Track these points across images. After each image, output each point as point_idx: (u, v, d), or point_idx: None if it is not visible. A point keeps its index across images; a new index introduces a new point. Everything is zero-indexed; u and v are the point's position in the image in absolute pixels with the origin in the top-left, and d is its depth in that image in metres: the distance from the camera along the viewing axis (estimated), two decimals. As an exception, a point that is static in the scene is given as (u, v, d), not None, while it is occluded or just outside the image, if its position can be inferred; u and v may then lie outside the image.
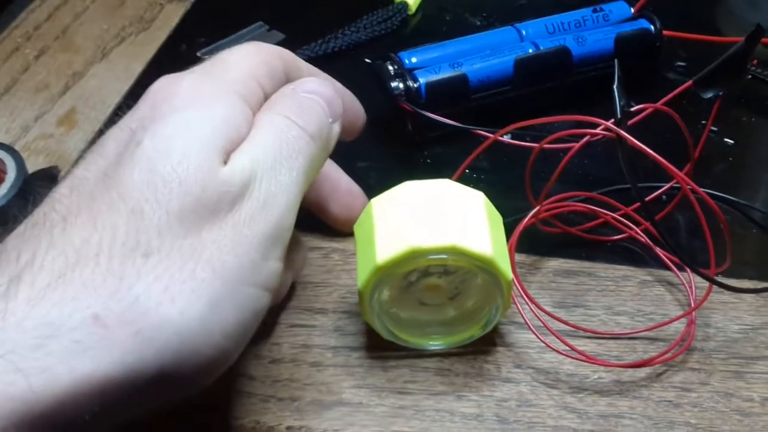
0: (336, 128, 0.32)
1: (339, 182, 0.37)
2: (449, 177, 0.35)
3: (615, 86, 0.32)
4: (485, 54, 0.43)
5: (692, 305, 0.34)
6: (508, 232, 0.34)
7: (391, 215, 0.32)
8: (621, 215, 0.37)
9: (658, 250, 0.36)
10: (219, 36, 0.50)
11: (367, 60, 0.48)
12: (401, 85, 0.42)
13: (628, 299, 0.35)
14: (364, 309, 0.32)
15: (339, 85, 0.34)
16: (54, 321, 0.23)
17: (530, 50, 0.43)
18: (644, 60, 0.45)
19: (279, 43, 0.50)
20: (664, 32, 0.44)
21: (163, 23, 0.53)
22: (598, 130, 0.32)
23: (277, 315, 0.35)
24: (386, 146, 0.43)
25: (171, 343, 0.24)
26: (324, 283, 0.36)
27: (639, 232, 0.37)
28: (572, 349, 0.32)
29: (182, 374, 0.25)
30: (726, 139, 0.43)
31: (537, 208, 0.35)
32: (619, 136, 0.32)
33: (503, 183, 0.39)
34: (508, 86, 0.43)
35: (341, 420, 0.31)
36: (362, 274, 0.31)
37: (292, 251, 0.32)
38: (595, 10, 0.45)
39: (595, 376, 0.32)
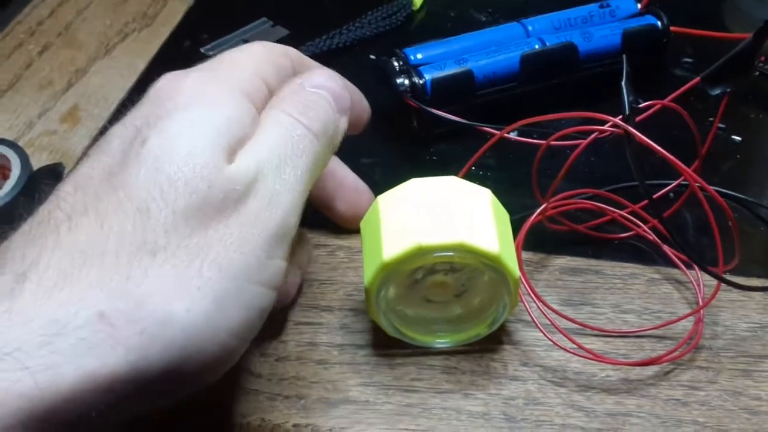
0: (343, 123, 0.32)
1: (345, 179, 0.37)
2: (455, 174, 0.34)
3: (623, 82, 0.32)
4: (491, 50, 0.43)
5: (700, 303, 0.34)
6: (515, 229, 0.33)
7: (398, 212, 0.32)
8: (628, 213, 0.37)
9: (665, 247, 0.36)
10: (222, 32, 0.50)
11: (372, 56, 0.48)
12: (407, 82, 0.41)
13: (636, 297, 0.35)
14: (370, 306, 0.32)
15: (346, 80, 0.34)
16: (60, 319, 0.23)
17: (536, 46, 0.43)
18: (651, 56, 0.45)
19: (283, 39, 0.50)
20: (671, 28, 0.44)
21: (166, 19, 0.52)
22: (606, 127, 0.32)
23: (284, 312, 0.35)
24: (391, 143, 0.43)
25: (176, 340, 0.24)
26: (330, 281, 0.36)
27: (646, 229, 0.37)
28: (579, 347, 0.32)
29: (187, 371, 0.25)
30: (733, 136, 0.42)
31: (544, 205, 0.35)
32: (628, 133, 0.31)
33: (510, 180, 0.39)
34: (514, 82, 0.43)
35: (348, 418, 0.31)
36: (369, 272, 0.31)
37: (297, 250, 0.32)
38: (601, 6, 0.45)
39: (603, 375, 0.32)
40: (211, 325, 0.25)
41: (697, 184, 0.32)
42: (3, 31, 0.52)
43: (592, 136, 0.33)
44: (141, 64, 0.49)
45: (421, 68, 0.42)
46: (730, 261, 0.34)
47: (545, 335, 0.33)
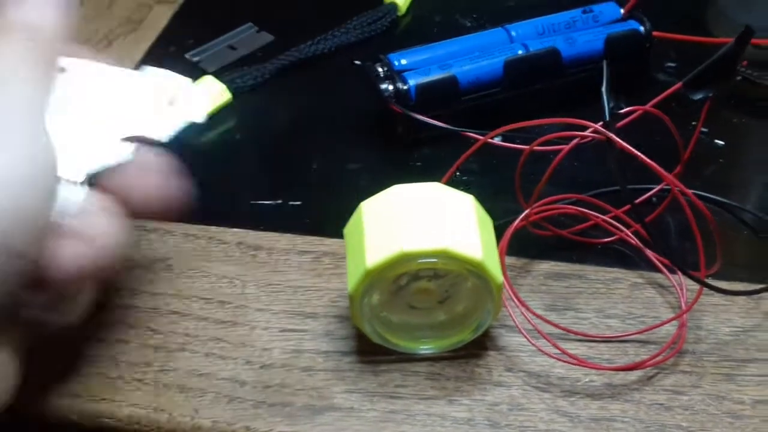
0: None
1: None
2: (439, 179, 0.35)
3: (603, 88, 0.32)
4: (475, 56, 0.43)
5: (683, 308, 0.34)
6: (499, 235, 0.33)
7: (381, 219, 0.32)
8: (611, 217, 0.37)
9: (648, 252, 0.36)
10: (208, 37, 0.50)
11: (357, 62, 0.48)
12: (391, 87, 0.42)
13: (619, 302, 0.35)
14: (354, 313, 0.32)
15: None
16: None
17: (520, 51, 0.43)
18: (634, 61, 0.45)
19: (268, 45, 0.50)
20: (654, 33, 0.44)
21: (151, 24, 0.52)
22: (587, 133, 0.32)
23: (268, 320, 0.35)
24: (376, 148, 0.43)
25: None
26: (314, 287, 0.36)
27: (629, 234, 0.37)
28: (563, 352, 0.32)
29: None
30: (716, 141, 0.43)
31: (527, 210, 0.35)
32: (608, 139, 0.31)
33: (493, 185, 0.39)
34: (497, 88, 0.43)
35: (333, 425, 0.31)
36: (352, 279, 0.31)
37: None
38: (585, 11, 0.45)
39: (587, 380, 0.32)
40: None
41: (677, 189, 0.32)
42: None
43: (574, 141, 0.33)
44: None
45: (405, 74, 0.42)
46: (712, 265, 0.34)
47: (529, 341, 0.33)
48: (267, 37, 0.50)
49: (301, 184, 0.42)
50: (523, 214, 0.35)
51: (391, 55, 0.43)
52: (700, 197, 0.31)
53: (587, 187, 0.39)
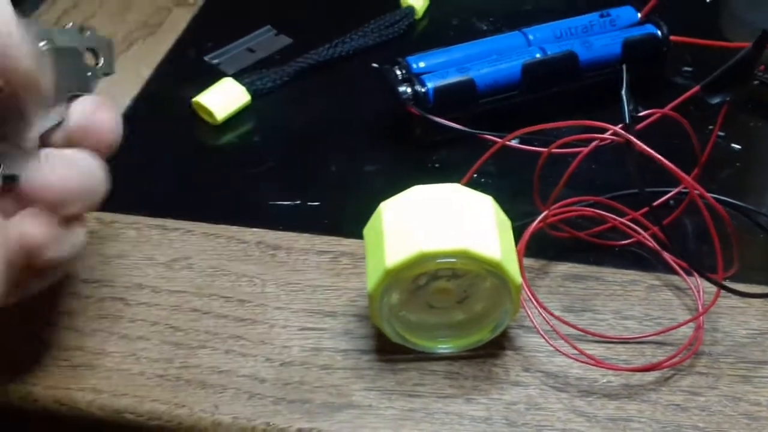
0: None
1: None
2: (457, 181, 0.35)
3: (623, 91, 0.32)
4: (492, 59, 0.43)
5: (700, 310, 0.34)
6: (517, 236, 0.34)
7: (400, 219, 0.32)
8: (629, 220, 0.37)
9: (665, 254, 0.37)
10: (227, 40, 0.51)
11: (375, 65, 0.48)
12: (409, 90, 0.42)
13: (636, 304, 0.35)
14: (373, 312, 0.32)
15: None
16: None
17: (538, 55, 0.43)
18: (651, 65, 0.45)
19: (287, 48, 0.50)
20: (671, 37, 0.45)
21: (170, 27, 0.53)
22: (606, 135, 0.33)
23: (287, 318, 0.35)
24: (394, 150, 0.44)
25: None
26: (333, 287, 0.36)
27: (647, 236, 0.37)
28: (581, 352, 0.33)
29: None
30: (733, 145, 0.43)
31: (545, 212, 0.35)
32: (628, 141, 0.32)
33: (511, 187, 0.39)
34: (515, 91, 0.43)
35: (351, 423, 0.32)
36: (372, 278, 0.31)
37: None
38: (602, 15, 0.45)
39: (604, 380, 0.33)
40: None
41: (696, 192, 0.32)
42: (9, 39, 0.52)
43: (593, 144, 0.33)
44: (146, 72, 0.49)
45: (423, 77, 0.42)
46: (730, 268, 0.34)
47: (547, 341, 0.33)
48: (285, 40, 0.51)
49: (319, 185, 0.42)
50: (541, 216, 0.35)
51: (410, 58, 0.43)
52: (717, 200, 0.31)
53: (604, 189, 0.39)
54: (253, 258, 0.38)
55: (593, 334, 0.34)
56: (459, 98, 0.42)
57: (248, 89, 0.46)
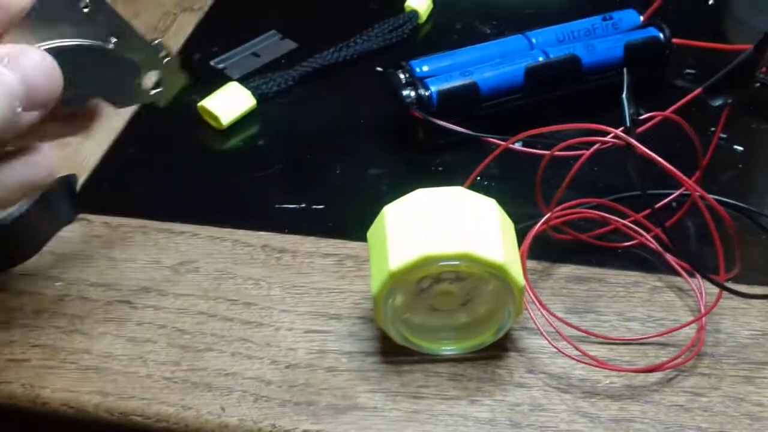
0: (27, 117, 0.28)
1: None
2: (460, 184, 0.35)
3: (624, 95, 0.33)
4: (495, 62, 0.43)
5: (702, 311, 0.35)
6: (519, 238, 0.34)
7: (404, 222, 0.32)
8: (631, 222, 0.38)
9: (668, 256, 0.37)
10: (232, 45, 0.51)
11: (379, 69, 0.49)
12: (413, 94, 0.42)
13: (639, 305, 0.36)
14: (378, 315, 0.32)
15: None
16: None
17: (540, 58, 0.43)
18: (653, 68, 0.45)
19: (292, 52, 0.51)
20: (674, 40, 0.45)
21: (176, 33, 0.53)
22: (607, 138, 0.33)
23: (293, 321, 0.36)
24: (397, 154, 0.44)
25: None
26: (338, 290, 0.37)
27: (649, 238, 0.37)
28: (584, 354, 0.33)
29: None
30: (735, 147, 0.43)
31: (548, 215, 0.35)
32: (629, 144, 0.32)
33: (514, 190, 0.40)
34: (518, 94, 0.43)
35: (356, 424, 0.32)
36: (376, 281, 0.32)
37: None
38: (604, 18, 0.46)
39: (607, 381, 0.33)
40: None
41: (697, 194, 0.32)
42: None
43: (595, 147, 0.34)
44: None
45: (427, 80, 0.43)
46: (731, 269, 0.34)
47: (550, 343, 0.33)
48: (290, 45, 0.51)
49: (324, 188, 0.42)
50: (544, 219, 0.35)
51: (413, 62, 0.44)
52: (719, 202, 0.32)
53: (606, 191, 0.39)
54: (259, 261, 0.38)
55: (596, 336, 0.34)
56: (462, 101, 0.43)
57: (253, 93, 0.47)
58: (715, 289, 0.34)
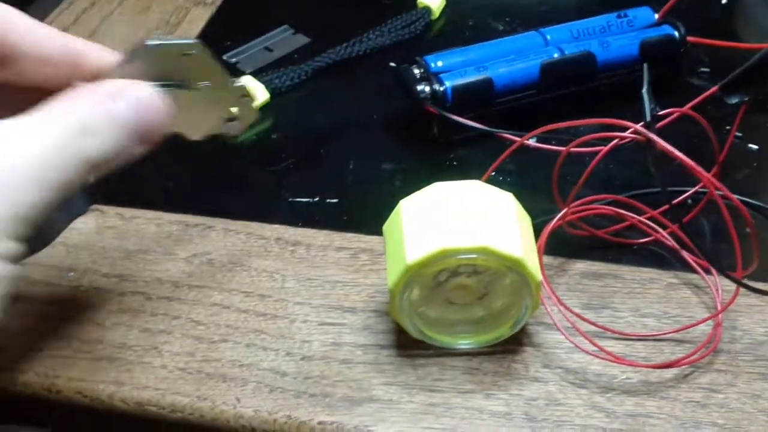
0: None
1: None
2: (475, 179, 0.35)
3: (645, 90, 0.33)
4: (510, 58, 0.43)
5: (718, 308, 0.35)
6: (535, 234, 0.34)
7: (421, 216, 0.32)
8: (647, 218, 0.38)
9: (684, 252, 0.37)
10: (245, 39, 0.51)
11: (393, 64, 0.49)
12: (427, 89, 0.42)
13: (655, 301, 0.35)
14: (393, 308, 0.32)
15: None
16: None
17: (555, 55, 0.43)
18: (668, 66, 0.45)
19: (304, 47, 0.51)
20: (688, 38, 0.45)
21: (189, 27, 0.53)
22: (627, 134, 0.33)
23: (307, 313, 0.35)
24: (412, 149, 0.44)
25: None
26: (353, 283, 0.37)
27: (665, 235, 0.37)
28: (600, 349, 0.33)
29: None
30: (750, 145, 0.43)
31: (564, 210, 0.35)
32: (649, 140, 0.32)
33: (529, 185, 0.39)
34: (533, 90, 0.43)
35: (372, 416, 0.32)
36: (392, 274, 0.32)
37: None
38: (619, 16, 0.46)
39: (623, 377, 0.33)
40: None
41: (718, 191, 0.32)
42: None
43: (613, 142, 0.34)
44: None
45: (441, 75, 0.42)
46: (749, 266, 0.34)
47: (566, 338, 0.33)
48: (303, 39, 0.51)
49: (337, 182, 0.42)
50: (560, 214, 0.35)
51: (428, 57, 0.44)
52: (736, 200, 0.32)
53: (623, 188, 0.39)
54: (273, 254, 0.38)
55: (612, 331, 0.34)
56: (477, 97, 0.43)
57: (267, 88, 0.47)
58: (732, 286, 0.33)
